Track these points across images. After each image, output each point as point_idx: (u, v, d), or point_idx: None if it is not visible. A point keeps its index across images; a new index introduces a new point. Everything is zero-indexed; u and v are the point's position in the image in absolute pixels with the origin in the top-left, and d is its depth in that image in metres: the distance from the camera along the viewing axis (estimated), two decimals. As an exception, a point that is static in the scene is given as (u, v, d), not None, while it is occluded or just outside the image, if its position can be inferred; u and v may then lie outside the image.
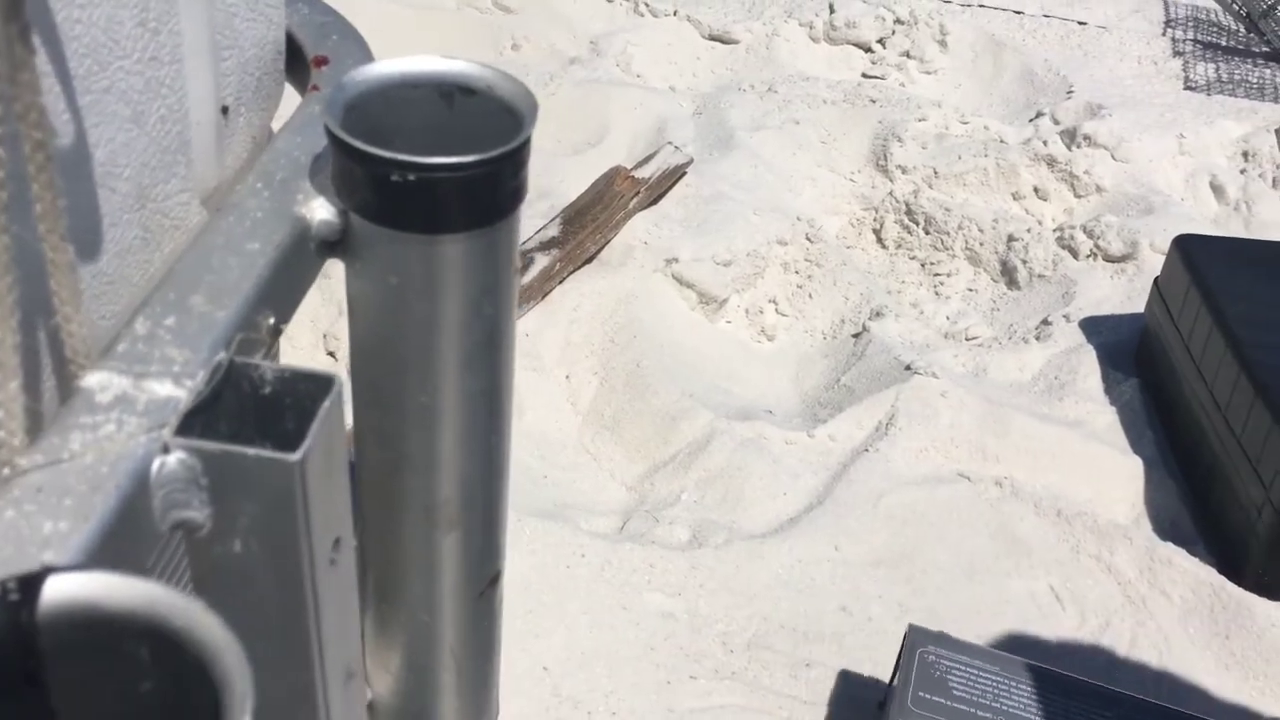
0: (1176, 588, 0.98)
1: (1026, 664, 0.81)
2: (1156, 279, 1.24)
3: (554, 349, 1.17)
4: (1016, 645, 0.91)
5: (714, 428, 1.10)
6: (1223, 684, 0.91)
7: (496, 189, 0.37)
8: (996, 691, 0.77)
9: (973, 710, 0.76)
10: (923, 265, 1.50)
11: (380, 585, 0.47)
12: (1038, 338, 1.33)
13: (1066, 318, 1.34)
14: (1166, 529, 1.06)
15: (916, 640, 0.80)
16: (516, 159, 0.38)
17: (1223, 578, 0.98)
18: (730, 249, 1.35)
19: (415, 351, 0.40)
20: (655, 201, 1.39)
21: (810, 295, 1.38)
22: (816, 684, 0.87)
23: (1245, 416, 1.01)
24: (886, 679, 0.88)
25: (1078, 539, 1.02)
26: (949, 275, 1.48)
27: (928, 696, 0.76)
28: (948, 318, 1.41)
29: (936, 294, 1.46)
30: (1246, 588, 0.97)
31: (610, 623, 0.88)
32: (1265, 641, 0.92)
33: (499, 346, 0.42)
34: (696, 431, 1.09)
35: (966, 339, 1.36)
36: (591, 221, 1.26)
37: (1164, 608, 0.96)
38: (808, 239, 1.42)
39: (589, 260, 1.27)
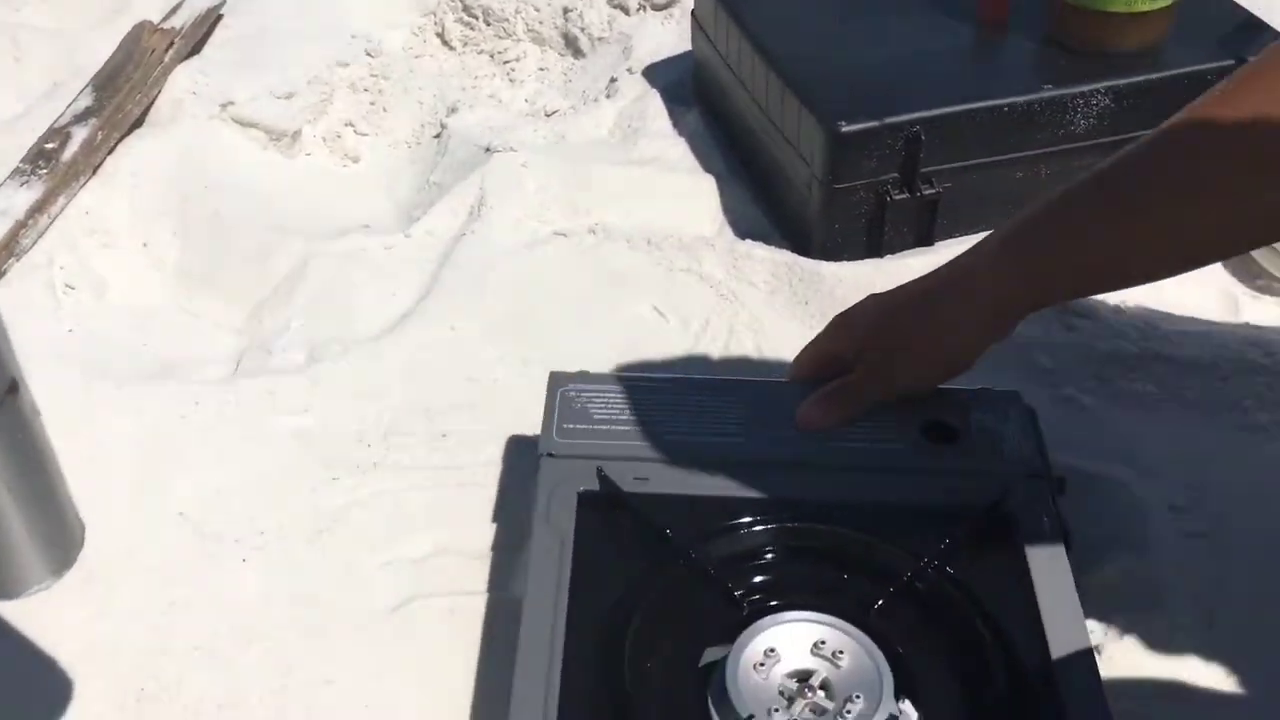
0: (759, 275, 1.07)
1: (658, 377, 0.88)
2: (693, 11, 1.31)
3: (122, 220, 1.11)
4: (634, 366, 0.97)
5: (309, 252, 1.09)
6: (795, 324, 1.01)
7: None
8: (634, 407, 0.81)
9: (613, 427, 0.80)
10: (492, 57, 1.52)
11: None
12: (608, 95, 1.38)
13: (630, 71, 1.40)
14: (744, 230, 1.15)
15: (557, 383, 0.83)
16: None
17: (795, 255, 1.08)
18: (288, 81, 1.31)
19: None
20: (195, 52, 1.33)
21: (385, 109, 1.37)
22: (455, 449, 0.90)
23: (781, 109, 1.10)
24: (523, 429, 0.93)
25: (669, 259, 1.10)
26: (518, 60, 1.50)
27: (571, 426, 0.80)
28: (526, 100, 1.44)
29: (511, 81, 1.48)
30: (814, 257, 1.08)
31: (239, 456, 0.88)
32: (835, 297, 1.03)
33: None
34: (292, 261, 1.08)
35: (546, 115, 1.39)
36: (126, 83, 1.19)
37: (752, 294, 1.06)
38: (368, 54, 1.40)
39: (137, 125, 1.20)
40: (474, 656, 0.76)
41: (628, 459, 0.78)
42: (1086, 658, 0.67)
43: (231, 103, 1.25)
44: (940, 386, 0.82)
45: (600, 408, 0.82)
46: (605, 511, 0.75)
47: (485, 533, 0.84)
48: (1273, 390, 0.94)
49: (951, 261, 0.78)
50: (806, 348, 0.84)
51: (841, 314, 0.82)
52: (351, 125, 1.35)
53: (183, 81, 1.26)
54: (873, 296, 0.81)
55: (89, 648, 0.74)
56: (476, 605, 0.79)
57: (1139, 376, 0.97)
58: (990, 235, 0.76)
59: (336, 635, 0.77)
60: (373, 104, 1.37)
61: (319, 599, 0.79)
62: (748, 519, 0.74)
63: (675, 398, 0.82)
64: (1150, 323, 1.00)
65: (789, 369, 0.85)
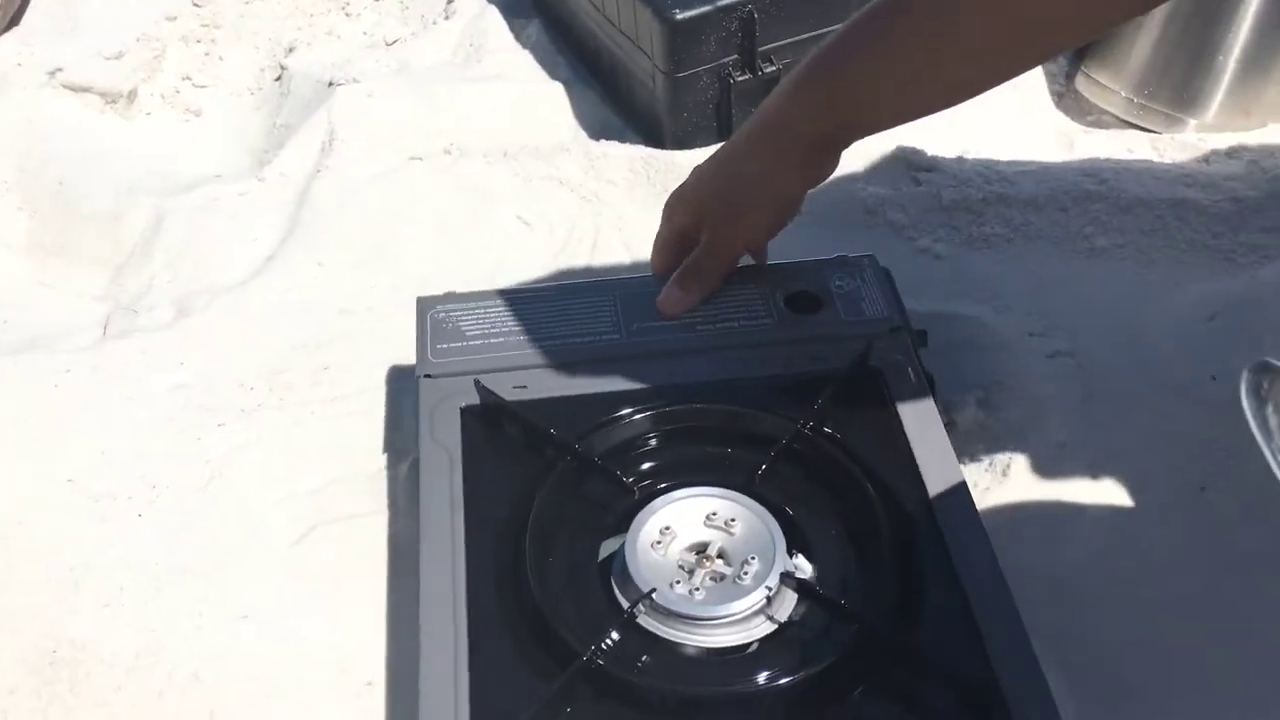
0: (617, 173, 1.09)
1: (526, 288, 0.89)
2: (519, -79, 1.30)
3: (-38, 201, 1.08)
4: (506, 277, 0.98)
5: (161, 209, 1.07)
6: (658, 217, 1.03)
7: None
8: (506, 319, 0.82)
9: (487, 341, 0.81)
10: (325, -7, 1.49)
11: None
12: (446, 17, 1.37)
13: (465, -10, 1.39)
14: (598, 131, 1.16)
15: (424, 306, 0.84)
16: None
17: (650, 149, 1.10)
18: (116, 41, 1.28)
19: None
20: (14, 23, 1.28)
21: (221, 58, 1.34)
22: (337, 381, 0.91)
23: (617, 5, 1.10)
24: (403, 354, 0.94)
25: (527, 169, 1.10)
26: (352, -8, 1.48)
27: (445, 345, 0.81)
28: (365, 32, 1.42)
29: (347, 15, 1.45)
30: (668, 148, 1.10)
31: (119, 416, 0.87)
32: (676, 178, 1.03)
33: None
34: (145, 219, 1.06)
35: (387, 44, 1.38)
36: (-57, 61, 1.14)
37: (612, 193, 1.07)
38: (196, 4, 1.37)
39: (-37, 103, 1.16)
40: (380, 575, 0.77)
41: (505, 369, 0.78)
42: (960, 490, 0.70)
43: (60, 69, 1.21)
44: (799, 260, 0.85)
45: (472, 324, 0.82)
46: (490, 423, 0.76)
47: (376, 457, 0.85)
48: (1109, 215, 1.00)
49: (758, 110, 0.79)
50: (655, 242, 0.85)
51: (673, 193, 0.83)
52: (189, 78, 1.32)
53: (6, 53, 1.22)
54: (696, 168, 0.82)
55: (-6, 621, 0.74)
56: (376, 526, 0.80)
57: (986, 219, 1.01)
58: (789, 75, 0.78)
59: (243, 574, 0.77)
60: (207, 54, 1.34)
61: (220, 542, 0.79)
62: (628, 409, 0.76)
63: (545, 305, 0.83)
64: (991, 168, 1.04)
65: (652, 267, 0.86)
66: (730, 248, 0.81)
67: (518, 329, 0.81)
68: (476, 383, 0.77)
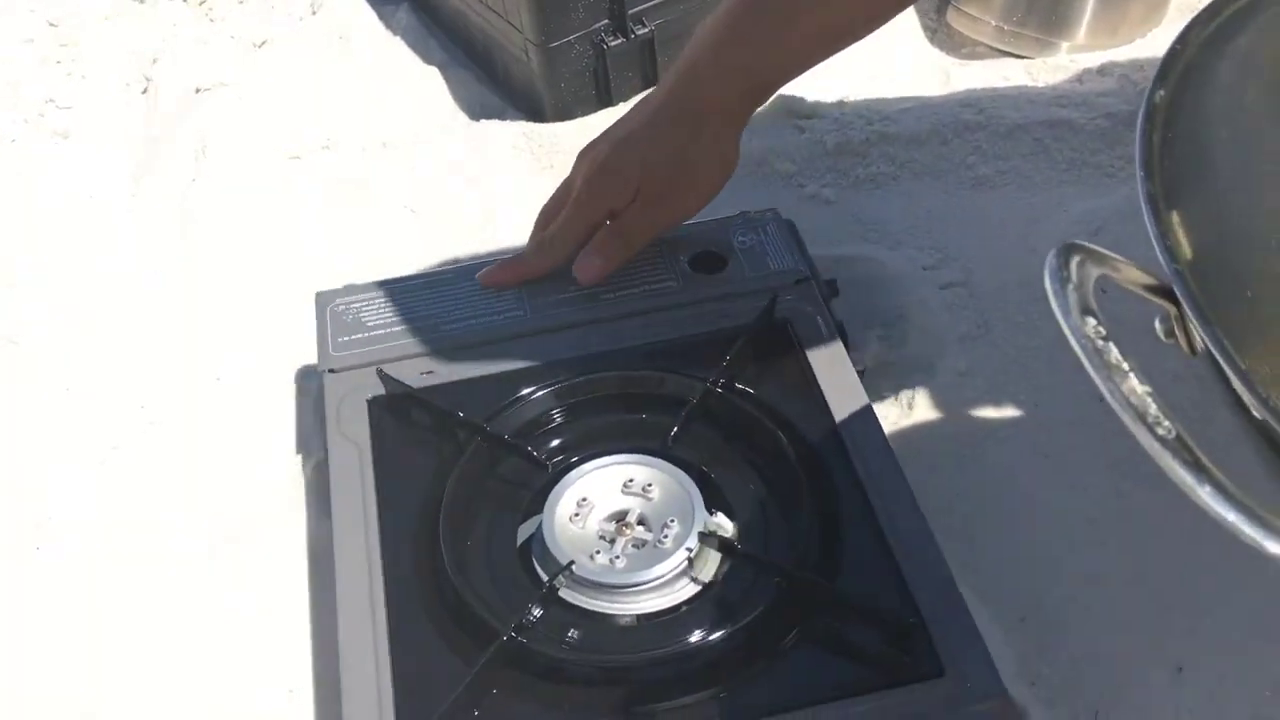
0: (501, 151, 1.07)
1: (426, 273, 0.88)
2: (376, -93, 1.28)
3: None
4: (399, 268, 0.96)
5: (33, 235, 1.04)
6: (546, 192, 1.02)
7: None
8: (407, 306, 0.81)
9: (390, 330, 0.80)
10: (187, 2, 1.45)
11: None
12: (314, 13, 1.34)
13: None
14: (478, 111, 1.15)
15: (323, 301, 0.83)
16: None
17: (532, 124, 1.09)
18: (-30, 68, 1.23)
19: None
20: None
21: (83, 77, 1.30)
22: (234, 390, 0.88)
23: (482, -18, 1.09)
24: (300, 356, 0.92)
25: (410, 157, 1.09)
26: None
27: (347, 338, 0.80)
28: (231, 36, 1.38)
29: (210, 20, 1.42)
30: (550, 120, 1.09)
31: (6, 450, 0.84)
32: (560, 150, 1.05)
33: None
34: (15, 246, 1.03)
35: (255, 46, 1.34)
36: None
37: (497, 171, 1.06)
38: (51, 25, 1.33)
39: None
40: (294, 580, 0.75)
41: (411, 357, 0.78)
42: (875, 433, 0.71)
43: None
44: (699, 220, 0.84)
45: (373, 314, 0.81)
46: (398, 413, 0.75)
47: (280, 462, 0.83)
48: (990, 143, 1.01)
49: (675, 74, 0.77)
50: (570, 208, 0.80)
51: (592, 160, 0.79)
52: (52, 100, 1.27)
53: None
54: (612, 137, 0.79)
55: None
56: (287, 532, 0.78)
57: (871, 159, 1.01)
58: (703, 35, 0.76)
59: (152, 594, 0.75)
60: (69, 74, 1.30)
61: (125, 565, 0.77)
62: (536, 385, 0.75)
63: (447, 288, 0.82)
64: (872, 109, 1.05)
65: (548, 247, 0.81)
66: (663, 219, 0.80)
67: (420, 315, 0.80)
68: (380, 372, 0.75)
